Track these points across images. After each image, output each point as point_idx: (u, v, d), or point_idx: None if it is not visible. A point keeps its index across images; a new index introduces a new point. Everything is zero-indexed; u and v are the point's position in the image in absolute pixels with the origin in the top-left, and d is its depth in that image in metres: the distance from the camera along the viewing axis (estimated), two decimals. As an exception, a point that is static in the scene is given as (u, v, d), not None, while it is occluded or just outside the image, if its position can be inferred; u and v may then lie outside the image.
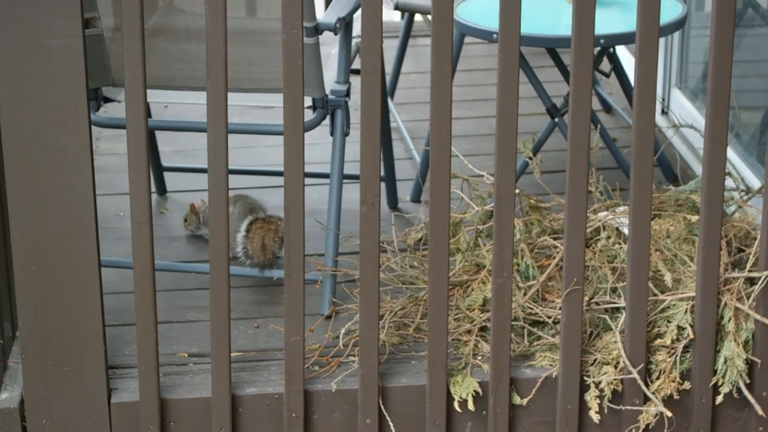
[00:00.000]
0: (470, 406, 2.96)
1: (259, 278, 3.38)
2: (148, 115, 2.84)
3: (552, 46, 3.93)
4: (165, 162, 4.02)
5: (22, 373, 2.93)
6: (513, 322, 3.00)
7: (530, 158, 3.48)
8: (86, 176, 2.80)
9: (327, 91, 3.38)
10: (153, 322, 2.89)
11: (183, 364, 3.09)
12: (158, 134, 3.93)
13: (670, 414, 2.96)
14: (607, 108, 4.61)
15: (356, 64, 3.28)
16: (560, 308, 2.98)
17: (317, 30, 3.26)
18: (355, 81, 3.09)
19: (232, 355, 2.93)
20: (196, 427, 2.97)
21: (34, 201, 2.81)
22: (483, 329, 3.10)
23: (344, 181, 3.41)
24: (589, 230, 3.18)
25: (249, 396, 2.97)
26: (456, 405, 2.97)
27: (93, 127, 2.86)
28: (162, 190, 4.01)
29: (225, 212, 2.82)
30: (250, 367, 3.07)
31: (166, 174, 4.01)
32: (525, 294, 3.13)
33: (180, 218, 3.76)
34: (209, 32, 2.72)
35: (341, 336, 3.07)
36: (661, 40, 4.32)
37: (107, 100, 3.48)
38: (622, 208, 3.34)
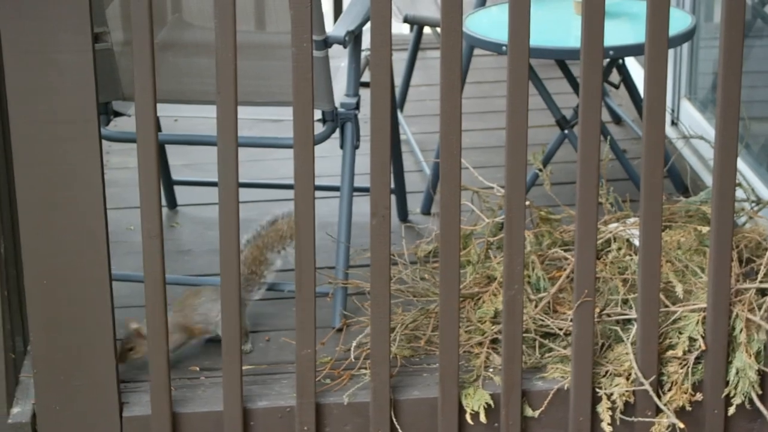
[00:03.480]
0: (482, 418, 2.95)
1: (269, 291, 3.38)
2: (158, 128, 2.84)
3: (561, 58, 3.94)
4: (175, 176, 4.03)
5: (33, 388, 2.93)
6: (524, 334, 2.99)
7: (540, 170, 3.48)
8: (97, 190, 2.81)
9: (337, 104, 3.38)
10: (164, 336, 2.89)
11: (194, 378, 3.10)
12: (168, 148, 3.93)
13: (682, 425, 2.95)
14: (617, 119, 4.61)
15: (366, 77, 3.29)
16: (571, 320, 2.98)
17: (326, 43, 3.27)
18: (365, 94, 3.09)
19: (243, 368, 2.93)
20: (208, 441, 2.98)
21: (45, 215, 2.82)
22: (494, 341, 3.10)
23: (354, 193, 3.42)
24: (599, 242, 3.17)
25: (261, 409, 2.97)
26: (468, 417, 2.96)
27: (103, 141, 2.87)
28: (172, 203, 4.02)
29: (236, 225, 2.83)
30: (262, 380, 3.07)
31: (176, 188, 4.03)
32: (536, 306, 3.12)
33: (190, 232, 3.76)
34: (219, 46, 2.73)
35: (352, 349, 3.07)
36: (670, 51, 4.31)
37: (117, 114, 3.49)
38: (632, 220, 3.33)
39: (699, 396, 2.98)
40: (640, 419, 2.98)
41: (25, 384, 3.03)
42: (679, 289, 3.08)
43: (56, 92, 2.74)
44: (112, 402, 2.93)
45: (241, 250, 3.13)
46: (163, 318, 2.87)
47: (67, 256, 2.84)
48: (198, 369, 3.13)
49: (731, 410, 2.99)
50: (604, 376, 2.99)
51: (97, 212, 2.82)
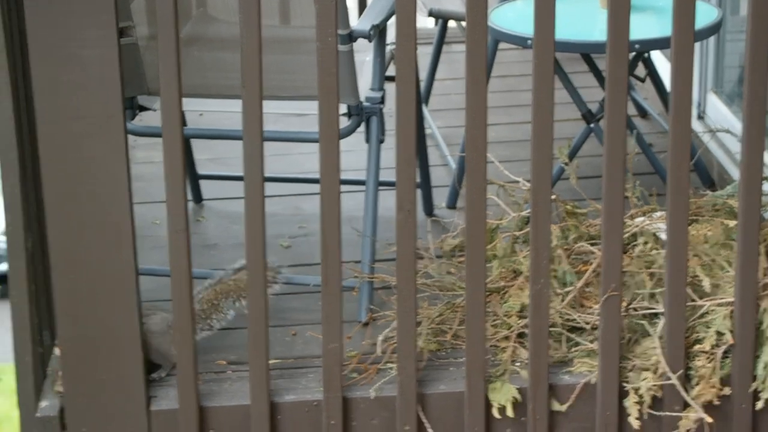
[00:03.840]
0: (509, 412, 2.95)
1: (296, 286, 3.39)
2: (184, 123, 2.85)
3: (587, 52, 3.93)
4: (201, 170, 4.04)
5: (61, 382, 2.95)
6: (551, 328, 2.99)
7: (566, 164, 3.47)
8: (122, 185, 2.81)
9: (362, 98, 3.39)
10: (191, 330, 2.90)
11: (221, 372, 3.10)
12: (194, 142, 3.95)
13: (710, 420, 2.95)
14: (643, 113, 4.60)
15: (391, 71, 3.29)
16: (598, 314, 2.97)
17: (351, 37, 3.27)
18: (390, 88, 3.09)
19: (270, 362, 2.94)
20: (235, 435, 2.98)
21: (72, 210, 2.83)
22: (521, 335, 3.09)
23: (380, 187, 3.42)
24: (626, 236, 3.16)
25: (287, 403, 2.98)
26: (495, 411, 2.96)
27: (129, 135, 2.88)
28: (198, 198, 4.03)
29: (261, 220, 2.83)
30: (288, 374, 3.07)
31: (202, 182, 4.04)
32: (562, 300, 3.12)
33: (216, 227, 3.77)
34: (243, 40, 2.73)
35: (379, 343, 3.07)
36: (697, 45, 4.31)
37: (143, 108, 3.50)
38: (659, 214, 3.33)
39: (727, 390, 2.97)
40: (668, 414, 2.97)
41: (52, 378, 3.05)
42: (706, 283, 3.06)
43: (82, 87, 2.75)
44: (140, 396, 2.94)
45: (199, 292, 3.12)
46: (189, 312, 2.88)
47: (94, 250, 2.85)
48: (225, 363, 3.13)
49: (759, 404, 2.98)
50: (631, 370, 2.99)
51: (123, 207, 2.83)
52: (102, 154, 2.79)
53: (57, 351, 2.98)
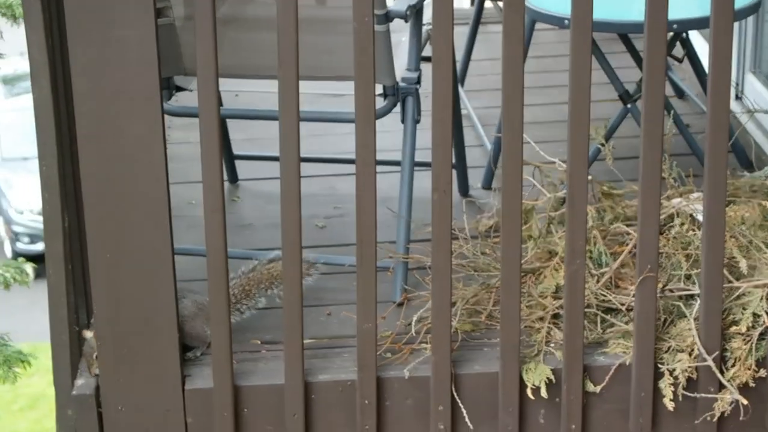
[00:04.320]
0: (543, 393, 2.96)
1: (331, 266, 3.40)
2: (220, 103, 2.86)
3: (624, 32, 3.93)
4: (236, 150, 4.06)
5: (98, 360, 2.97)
6: (586, 309, 2.99)
7: (602, 145, 3.48)
8: (159, 165, 2.83)
9: (398, 79, 3.40)
10: (226, 309, 2.92)
11: (256, 351, 3.12)
12: (230, 123, 3.96)
13: (745, 402, 2.95)
14: (680, 94, 4.59)
15: (427, 52, 3.29)
16: (633, 295, 2.98)
17: (388, 17, 3.28)
18: (426, 68, 3.09)
19: (304, 342, 2.95)
20: (270, 414, 2.99)
21: (108, 190, 2.85)
22: (555, 316, 3.10)
23: (415, 168, 3.43)
24: (662, 217, 3.17)
25: (322, 383, 2.99)
26: (529, 392, 2.97)
27: (165, 116, 2.90)
28: (234, 178, 4.05)
29: (297, 200, 2.85)
30: (323, 354, 3.09)
31: (237, 162, 4.06)
32: (598, 281, 3.12)
33: (251, 207, 3.78)
34: (280, 21, 2.74)
35: (413, 323, 3.08)
36: (735, 25, 4.28)
37: (179, 89, 3.52)
38: (695, 195, 3.33)
39: (762, 372, 2.97)
40: (703, 395, 2.97)
41: (89, 360, 3.07)
42: (743, 265, 3.06)
43: (119, 67, 2.76)
44: (175, 374, 2.96)
45: (232, 279, 3.11)
46: (225, 292, 2.90)
47: (130, 230, 2.87)
48: (259, 342, 3.15)
49: (795, 386, 2.98)
50: (666, 351, 2.99)
51: (159, 186, 2.84)
52: (139, 134, 2.81)
53: (88, 334, 3.00)
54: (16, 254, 11.87)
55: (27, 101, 2.92)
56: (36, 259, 6.19)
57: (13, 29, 6.09)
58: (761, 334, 2.97)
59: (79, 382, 2.99)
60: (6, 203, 14.02)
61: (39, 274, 5.24)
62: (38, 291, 3.20)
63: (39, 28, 2.78)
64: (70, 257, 2.95)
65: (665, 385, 2.97)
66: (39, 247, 12.27)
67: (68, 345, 2.96)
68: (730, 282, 3.03)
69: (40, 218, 2.97)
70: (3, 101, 15.00)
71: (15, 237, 13.83)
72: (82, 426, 2.98)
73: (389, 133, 3.76)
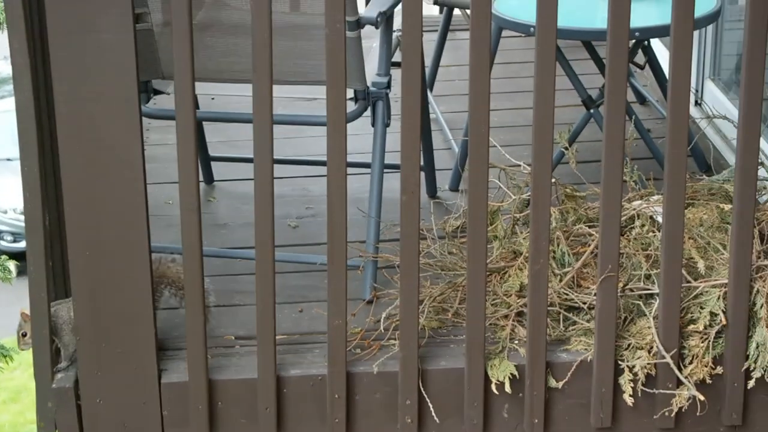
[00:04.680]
0: (507, 388, 3.00)
1: (303, 264, 3.44)
2: (196, 106, 2.90)
3: (588, 39, 3.95)
4: (212, 152, 4.08)
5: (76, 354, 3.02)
6: (549, 308, 3.03)
7: (566, 148, 3.49)
8: (137, 166, 2.87)
9: (369, 83, 3.42)
10: (201, 306, 2.96)
11: (230, 347, 3.16)
12: (206, 125, 3.99)
13: (702, 398, 2.99)
14: (642, 100, 4.62)
15: (397, 57, 3.33)
16: (595, 294, 3.02)
17: (359, 24, 3.31)
18: (396, 73, 3.13)
19: (277, 337, 2.99)
20: (243, 407, 3.03)
21: (88, 189, 2.89)
22: (520, 314, 3.14)
23: (385, 170, 3.46)
24: (623, 218, 3.20)
25: (293, 377, 3.03)
26: (493, 387, 3.01)
27: (143, 118, 2.92)
28: (209, 179, 4.08)
29: (270, 200, 2.88)
30: (295, 349, 3.12)
31: (213, 163, 4.07)
32: (561, 280, 3.16)
33: (226, 207, 3.79)
34: (254, 26, 2.77)
35: (382, 320, 3.12)
36: (695, 33, 4.33)
37: (157, 92, 3.54)
38: (656, 197, 3.35)
39: (719, 369, 3.01)
40: (661, 391, 3.01)
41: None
42: (701, 265, 3.10)
43: (99, 71, 2.80)
44: (151, 368, 3.00)
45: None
46: (200, 289, 2.94)
47: (109, 228, 2.91)
48: (233, 338, 3.19)
49: (751, 383, 3.02)
50: (626, 348, 3.03)
51: (137, 186, 2.88)
52: (117, 136, 2.85)
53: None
54: (0, 252, 11.84)
55: (10, 104, 2.95)
56: (19, 256, 6.20)
57: (-4, 34, 6.10)
58: (718, 332, 3.02)
59: (58, 375, 3.03)
60: (-11, 203, 13.99)
61: (21, 272, 5.26)
62: (21, 288, 3.22)
63: (21, 33, 2.82)
64: (51, 254, 2.99)
65: (625, 381, 3.01)
66: (22, 245, 12.24)
67: (48, 340, 3.00)
68: (688, 282, 3.07)
69: (23, 218, 3.00)
70: (-13, 103, 14.93)
71: (-1, 235, 13.80)
72: (61, 418, 3.01)
73: (360, 136, 3.79)
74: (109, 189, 2.89)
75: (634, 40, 3.89)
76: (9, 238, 13.65)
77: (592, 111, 3.93)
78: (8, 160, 13.68)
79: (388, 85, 3.45)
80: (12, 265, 6.14)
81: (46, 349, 3.00)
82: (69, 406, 3.01)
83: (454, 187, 4.03)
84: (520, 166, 3.37)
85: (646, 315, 3.06)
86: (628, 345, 3.05)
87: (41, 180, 2.91)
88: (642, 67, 4.36)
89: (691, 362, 3.02)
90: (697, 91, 4.55)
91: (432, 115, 4.44)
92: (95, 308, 2.97)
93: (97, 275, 2.94)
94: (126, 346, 2.99)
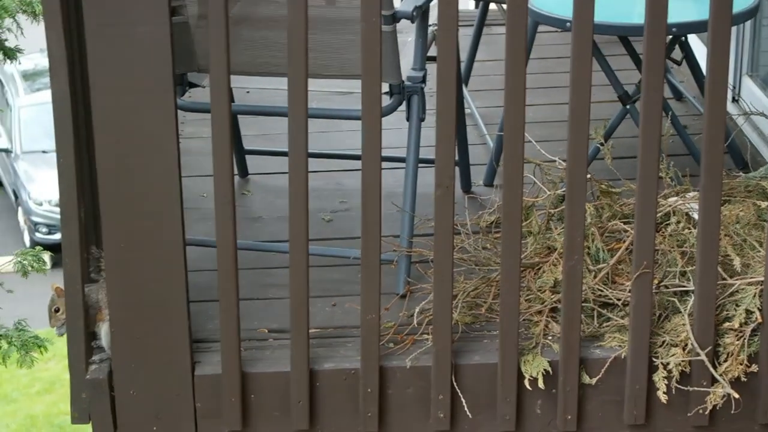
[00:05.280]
0: (540, 384, 3.01)
1: (337, 258, 3.45)
2: (231, 99, 2.91)
3: (625, 35, 3.94)
4: (247, 145, 4.09)
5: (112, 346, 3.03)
6: (583, 304, 3.03)
7: (602, 144, 3.50)
8: (172, 158, 2.88)
9: (404, 78, 3.43)
10: (235, 299, 2.97)
11: (263, 340, 3.17)
12: (241, 118, 4.00)
13: (737, 396, 2.98)
14: (678, 96, 4.62)
15: (432, 52, 3.34)
16: (630, 291, 3.01)
17: (395, 18, 3.31)
18: (431, 68, 3.14)
19: (310, 331, 3.00)
20: (276, 400, 3.05)
21: (123, 181, 2.90)
22: (553, 310, 3.14)
23: (420, 165, 3.46)
24: (659, 215, 3.19)
25: (326, 371, 3.04)
26: (526, 383, 3.01)
27: (178, 111, 2.94)
28: (244, 172, 4.09)
29: (305, 194, 2.89)
30: (328, 343, 3.13)
31: (247, 157, 4.09)
32: (595, 276, 3.16)
33: (260, 200, 3.80)
34: (290, 20, 2.78)
35: (416, 315, 3.13)
36: (733, 29, 4.31)
37: (192, 85, 3.55)
38: (692, 194, 3.35)
39: (754, 367, 3.00)
40: (696, 389, 3.01)
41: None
42: (736, 263, 3.09)
43: (135, 63, 2.82)
44: (185, 361, 3.02)
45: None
46: (234, 282, 2.95)
47: (144, 220, 2.93)
48: (266, 331, 3.20)
49: (786, 381, 3.01)
50: (660, 345, 3.03)
51: (172, 179, 2.90)
52: (153, 128, 2.86)
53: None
54: (35, 244, 11.95)
55: (46, 96, 2.97)
56: (53, 248, 6.24)
57: (33, 26, 6.14)
58: (753, 330, 3.01)
59: (92, 367, 3.05)
60: (26, 195, 14.10)
61: (56, 263, 5.31)
62: (55, 279, 3.24)
63: (58, 25, 2.84)
64: (86, 246, 3.01)
65: (659, 379, 3.01)
66: (56, 237, 12.36)
67: (83, 331, 3.02)
68: (724, 279, 3.06)
69: (58, 209, 3.02)
70: (23, 96, 15.05)
71: (33, 227, 13.91)
72: (95, 409, 3.03)
73: (394, 130, 3.80)
74: (144, 181, 2.91)
75: (671, 36, 3.87)
76: (44, 230, 13.78)
77: (628, 107, 3.92)
78: (43, 152, 13.82)
79: (424, 80, 3.45)
80: (47, 256, 6.18)
81: (81, 340, 3.02)
82: (103, 398, 3.03)
83: (489, 182, 4.03)
84: (555, 161, 3.38)
85: (681, 312, 3.06)
86: (663, 342, 3.04)
87: (77, 172, 2.93)
88: (679, 63, 4.35)
89: (726, 360, 3.02)
90: (734, 87, 4.54)
91: (467, 110, 4.45)
92: (129, 300, 2.99)
93: (131, 267, 2.96)
94: (160, 338, 3.01)
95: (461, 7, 2.90)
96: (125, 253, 2.95)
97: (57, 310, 3.09)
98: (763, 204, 3.27)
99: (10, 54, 6.16)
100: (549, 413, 3.07)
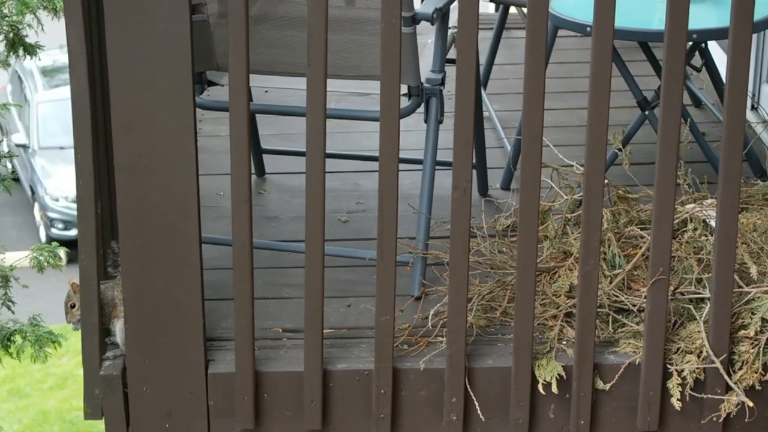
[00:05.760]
0: (554, 388, 3.01)
1: (352, 259, 3.45)
2: (250, 98, 2.91)
3: (645, 41, 3.94)
4: (264, 144, 4.09)
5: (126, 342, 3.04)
6: (598, 309, 3.04)
7: (620, 150, 3.50)
8: (190, 156, 2.89)
9: (422, 80, 3.43)
10: (250, 298, 2.97)
11: (277, 339, 3.17)
12: (258, 117, 4.00)
13: (751, 404, 2.98)
14: (697, 103, 4.61)
15: (452, 54, 3.34)
16: (645, 297, 3.01)
17: (415, 20, 3.31)
18: (450, 70, 3.14)
19: (324, 331, 3.01)
20: (289, 400, 3.05)
21: (140, 178, 2.91)
22: (568, 315, 3.14)
23: (437, 167, 3.46)
24: (676, 221, 3.19)
25: (340, 371, 3.05)
26: (540, 387, 3.02)
27: (197, 109, 2.94)
28: (261, 171, 4.09)
29: (321, 194, 2.90)
30: (341, 343, 3.14)
31: (265, 156, 4.09)
32: (611, 282, 3.16)
33: (277, 200, 3.81)
34: (310, 20, 2.79)
35: (430, 317, 3.13)
36: (753, 36, 4.30)
37: (211, 83, 3.56)
38: (709, 201, 3.35)
39: None
40: (710, 396, 3.01)
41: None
42: (753, 270, 3.09)
43: (154, 61, 2.82)
44: (198, 358, 3.02)
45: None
46: (249, 280, 2.96)
47: (160, 218, 2.93)
48: (281, 330, 3.21)
49: (801, 390, 3.00)
50: (675, 352, 3.03)
51: (189, 177, 2.90)
52: (171, 126, 2.87)
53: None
54: (50, 239, 12.01)
55: (65, 93, 2.98)
56: (69, 244, 6.26)
57: (53, 22, 6.16)
58: (769, 338, 3.01)
59: (106, 363, 3.06)
60: (42, 190, 14.15)
61: (72, 259, 5.32)
62: (71, 275, 3.25)
63: (78, 20, 2.85)
64: (102, 242, 3.01)
65: (673, 385, 3.01)
66: (72, 233, 12.41)
67: (97, 327, 3.03)
68: (740, 287, 3.07)
69: (75, 206, 3.03)
70: (42, 92, 15.11)
71: (50, 223, 13.97)
72: (108, 405, 3.04)
73: (412, 132, 3.81)
74: (162, 179, 2.91)
75: (691, 42, 3.87)
76: (60, 225, 13.83)
77: (647, 113, 3.92)
78: (61, 148, 13.86)
79: (442, 82, 3.45)
80: (62, 252, 6.20)
81: (95, 336, 3.03)
82: (116, 394, 3.04)
83: (506, 186, 4.03)
84: (572, 166, 3.38)
85: (696, 319, 3.06)
86: (678, 349, 3.04)
87: (94, 168, 2.94)
88: (699, 70, 4.35)
89: (740, 368, 3.01)
90: (753, 95, 4.53)
91: (485, 113, 4.44)
92: (144, 297, 2.99)
93: (147, 264, 2.97)
94: (174, 335, 3.01)
95: (481, 10, 2.90)
96: (141, 250, 2.96)
97: (73, 306, 3.10)
98: (781, 212, 3.26)
99: (30, 50, 6.18)
100: (562, 418, 3.07)
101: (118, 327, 3.05)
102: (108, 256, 3.04)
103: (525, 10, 2.85)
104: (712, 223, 3.20)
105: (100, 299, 3.02)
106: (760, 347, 3.00)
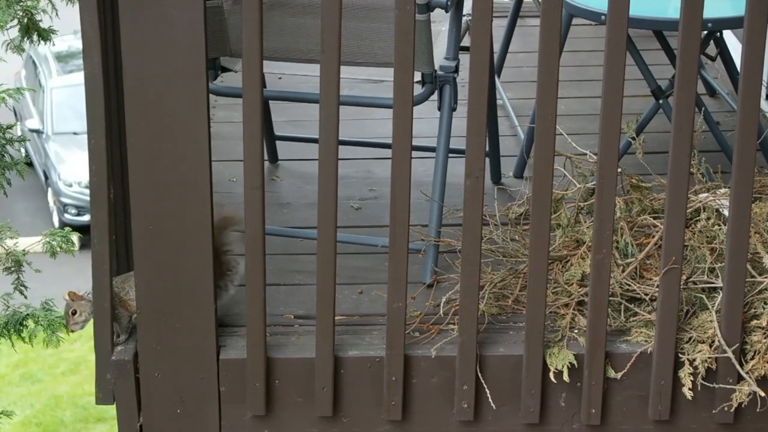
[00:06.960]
0: (565, 377, 3.01)
1: (365, 246, 3.45)
2: (263, 85, 2.92)
3: (659, 29, 3.93)
4: (277, 131, 4.10)
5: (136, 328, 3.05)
6: (610, 298, 3.03)
7: (633, 138, 3.49)
8: (203, 142, 2.89)
9: (436, 67, 3.43)
10: (262, 284, 2.97)
11: (289, 325, 3.18)
12: (272, 104, 4.00)
13: (763, 394, 2.98)
14: (712, 92, 4.60)
15: (465, 42, 3.34)
16: (657, 286, 3.01)
17: (429, 7, 3.31)
18: (464, 58, 3.13)
19: (336, 318, 3.01)
20: (300, 386, 3.06)
21: (153, 164, 2.91)
22: (580, 303, 3.14)
23: (450, 155, 3.46)
24: (689, 211, 3.18)
25: (351, 358, 3.05)
26: (551, 376, 3.02)
27: (210, 95, 2.94)
28: (274, 158, 4.10)
29: (334, 181, 2.90)
30: (353, 330, 3.14)
31: (278, 143, 4.10)
32: (623, 271, 3.16)
33: (290, 186, 3.81)
34: (324, 7, 2.79)
35: (442, 304, 3.13)
36: (770, 26, 4.30)
37: (224, 69, 3.56)
38: (722, 190, 3.34)
39: None
40: (721, 386, 3.01)
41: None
42: (766, 260, 3.09)
43: (167, 47, 2.82)
44: (210, 344, 3.03)
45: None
46: (261, 267, 2.96)
47: (173, 204, 2.94)
48: (292, 317, 3.21)
49: (813, 381, 3.00)
50: (687, 342, 3.03)
51: (202, 163, 2.90)
52: (184, 112, 2.87)
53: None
54: (63, 225, 12.05)
55: (79, 78, 2.99)
56: (82, 230, 6.27)
57: (68, 8, 6.17)
58: (781, 328, 3.01)
59: (118, 348, 3.07)
60: (56, 176, 14.21)
61: (84, 245, 5.35)
62: (83, 261, 3.26)
63: (92, 6, 2.84)
64: (114, 228, 3.02)
65: (685, 375, 3.01)
66: (85, 218, 12.45)
67: (110, 312, 3.04)
68: (753, 276, 3.06)
69: (88, 191, 3.03)
70: (56, 78, 15.15)
71: (63, 208, 14.02)
72: (120, 390, 3.05)
73: (426, 119, 3.81)
74: (174, 165, 2.91)
75: (706, 32, 3.86)
76: (73, 211, 13.88)
77: (661, 101, 3.91)
78: (74, 134, 13.90)
79: (456, 70, 3.45)
80: (75, 237, 6.21)
81: (107, 321, 3.04)
82: (128, 379, 3.05)
83: (519, 174, 4.03)
84: (586, 154, 3.38)
85: (708, 308, 3.05)
86: (690, 338, 3.04)
87: (108, 154, 2.94)
88: (713, 59, 4.34)
89: (752, 358, 3.01)
90: (767, 85, 4.51)
91: (499, 101, 4.44)
92: (156, 283, 3.00)
93: (159, 250, 2.97)
94: (186, 321, 3.02)
95: (495, -3, 2.90)
96: (154, 236, 2.96)
97: (74, 313, 3.11)
98: (795, 202, 3.26)
99: (45, 35, 6.19)
100: (573, 406, 3.07)
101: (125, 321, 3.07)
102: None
103: (539, -2, 2.84)
104: (725, 212, 3.20)
105: (112, 288, 3.03)
106: (772, 337, 3.00)
